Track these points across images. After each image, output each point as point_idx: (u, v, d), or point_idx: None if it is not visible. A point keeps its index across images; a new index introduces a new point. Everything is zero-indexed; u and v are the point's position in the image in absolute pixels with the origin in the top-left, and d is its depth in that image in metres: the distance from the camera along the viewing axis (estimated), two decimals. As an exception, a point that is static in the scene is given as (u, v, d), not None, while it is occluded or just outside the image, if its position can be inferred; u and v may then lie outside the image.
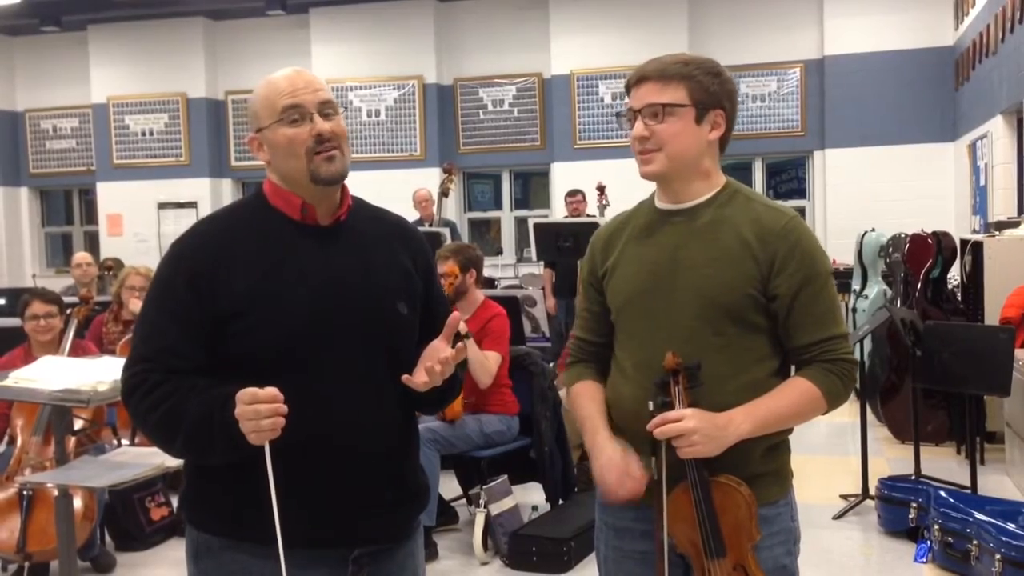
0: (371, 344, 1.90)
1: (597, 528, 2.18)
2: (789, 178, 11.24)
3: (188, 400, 1.80)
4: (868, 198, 10.28)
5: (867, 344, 6.45)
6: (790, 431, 2.05)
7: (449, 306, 2.16)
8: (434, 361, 1.85)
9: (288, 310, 1.84)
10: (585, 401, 2.13)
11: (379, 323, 1.92)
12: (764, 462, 2.00)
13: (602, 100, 11.19)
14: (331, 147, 1.88)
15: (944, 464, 5.77)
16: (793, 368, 2.05)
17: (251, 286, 1.84)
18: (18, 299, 4.89)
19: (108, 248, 12.03)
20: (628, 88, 2.03)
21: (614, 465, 1.99)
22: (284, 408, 1.74)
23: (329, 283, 1.88)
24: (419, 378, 1.86)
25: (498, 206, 12.22)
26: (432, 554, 4.55)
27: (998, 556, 3.78)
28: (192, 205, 12.24)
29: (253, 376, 1.78)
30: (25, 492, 4.10)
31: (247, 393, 1.73)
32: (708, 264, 1.96)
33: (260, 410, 1.72)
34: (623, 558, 2.09)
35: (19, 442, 4.39)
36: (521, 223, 11.87)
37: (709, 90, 1.97)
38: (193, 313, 1.83)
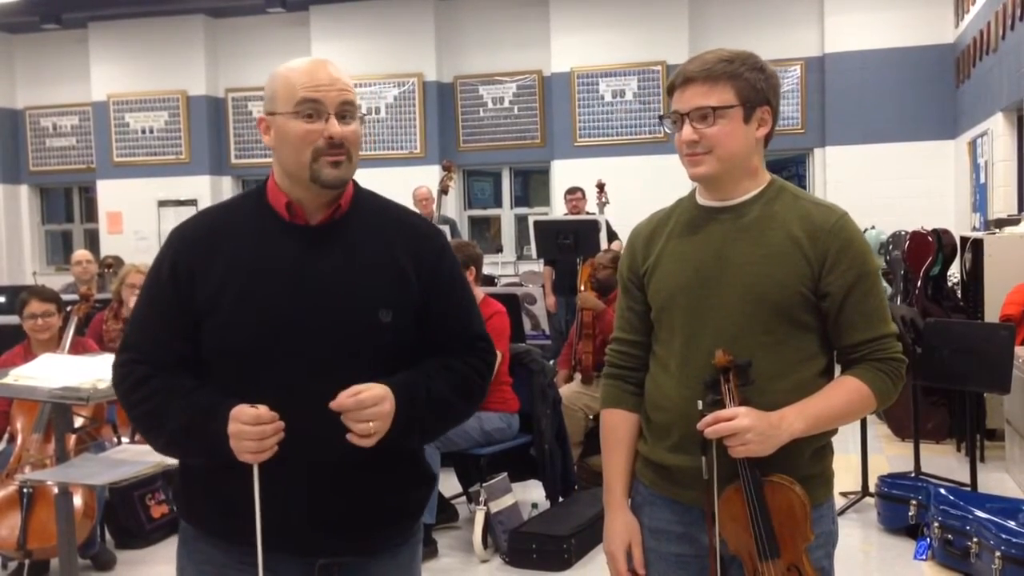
0: (344, 352, 1.82)
1: None
2: (789, 175, 11.24)
3: (171, 404, 1.80)
4: (868, 195, 10.26)
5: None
6: (835, 432, 2.03)
7: (469, 314, 2.02)
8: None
9: (256, 312, 1.81)
10: (613, 446, 2.11)
11: (354, 330, 1.84)
12: (812, 464, 1.98)
13: (602, 98, 11.19)
14: (340, 153, 1.81)
15: (944, 461, 5.77)
16: (839, 367, 2.02)
17: (225, 285, 1.81)
18: (18, 297, 4.89)
19: (108, 246, 12.03)
20: (671, 90, 1.97)
21: (622, 540, 2.06)
22: (282, 426, 1.73)
23: (304, 286, 1.82)
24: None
25: (498, 204, 12.22)
26: (432, 552, 4.56)
27: (998, 553, 3.79)
28: (192, 203, 12.23)
29: (225, 376, 1.81)
30: (25, 490, 4.10)
31: (248, 414, 1.72)
32: (757, 261, 1.93)
33: (265, 430, 1.72)
34: (657, 560, 2.05)
35: (19, 440, 4.40)
36: (521, 221, 11.87)
37: (756, 87, 1.93)
38: (174, 307, 1.83)
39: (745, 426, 1.83)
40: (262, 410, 1.72)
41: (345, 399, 1.74)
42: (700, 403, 1.89)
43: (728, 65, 1.92)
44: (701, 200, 2.04)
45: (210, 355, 1.83)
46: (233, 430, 1.72)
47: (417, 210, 8.60)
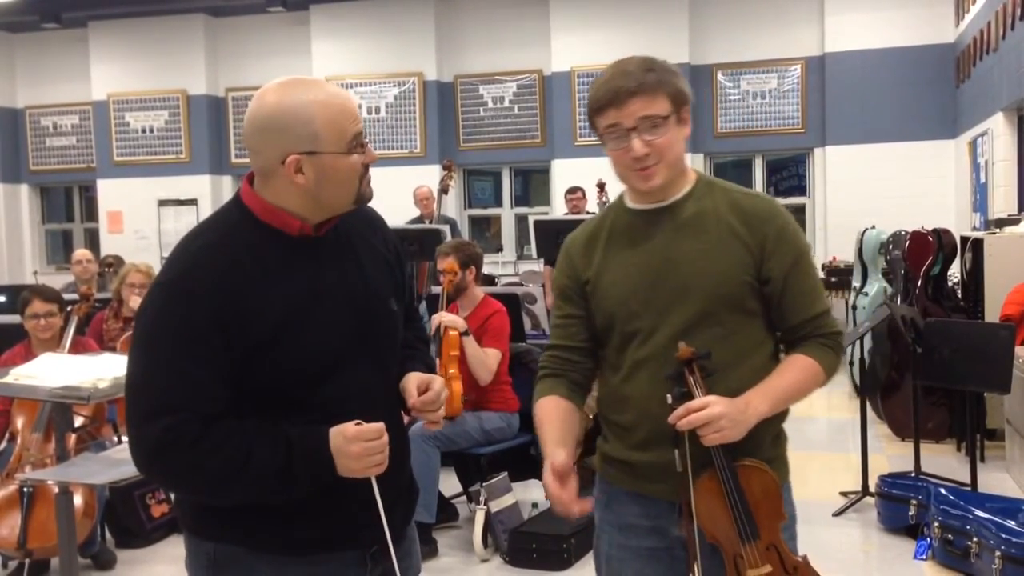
0: (378, 345, 1.91)
1: (598, 527, 2.17)
2: (790, 175, 11.23)
3: (253, 449, 1.73)
4: (868, 195, 10.28)
5: (867, 341, 6.45)
6: (785, 418, 2.09)
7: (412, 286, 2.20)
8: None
9: (315, 330, 1.80)
10: (544, 418, 2.15)
11: (381, 324, 1.92)
12: (772, 448, 2.05)
13: (602, 97, 11.18)
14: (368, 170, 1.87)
15: (944, 461, 5.77)
16: (783, 347, 2.09)
17: (278, 315, 1.76)
18: (18, 296, 4.89)
19: (108, 245, 12.04)
20: (602, 108, 1.98)
21: (557, 473, 2.05)
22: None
23: (341, 294, 1.85)
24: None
25: (498, 203, 12.22)
26: (432, 551, 4.56)
27: (998, 553, 3.79)
28: (192, 202, 12.25)
29: (286, 401, 1.78)
30: (26, 489, 4.10)
31: (371, 430, 1.75)
32: (701, 256, 1.98)
33: (385, 441, 1.76)
34: (629, 556, 2.09)
35: (20, 439, 4.40)
36: (521, 220, 11.88)
37: (680, 89, 1.98)
38: (220, 354, 1.72)
39: (718, 413, 1.88)
40: (365, 427, 1.75)
41: (423, 399, 1.90)
42: (669, 397, 1.93)
43: (655, 74, 1.96)
44: (633, 204, 2.08)
45: (268, 386, 1.78)
46: (357, 450, 1.74)
47: (418, 209, 8.70)
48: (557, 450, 2.06)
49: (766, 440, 2.02)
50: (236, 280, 1.75)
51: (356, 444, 1.74)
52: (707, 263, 1.97)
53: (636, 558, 2.08)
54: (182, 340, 1.72)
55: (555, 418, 2.13)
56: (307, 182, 1.77)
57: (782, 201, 11.29)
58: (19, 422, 4.44)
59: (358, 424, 1.75)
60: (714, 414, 1.87)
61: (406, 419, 2.06)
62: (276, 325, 1.76)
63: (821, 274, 10.11)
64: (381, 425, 1.77)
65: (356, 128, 1.79)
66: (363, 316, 1.87)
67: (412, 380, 1.92)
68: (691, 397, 1.91)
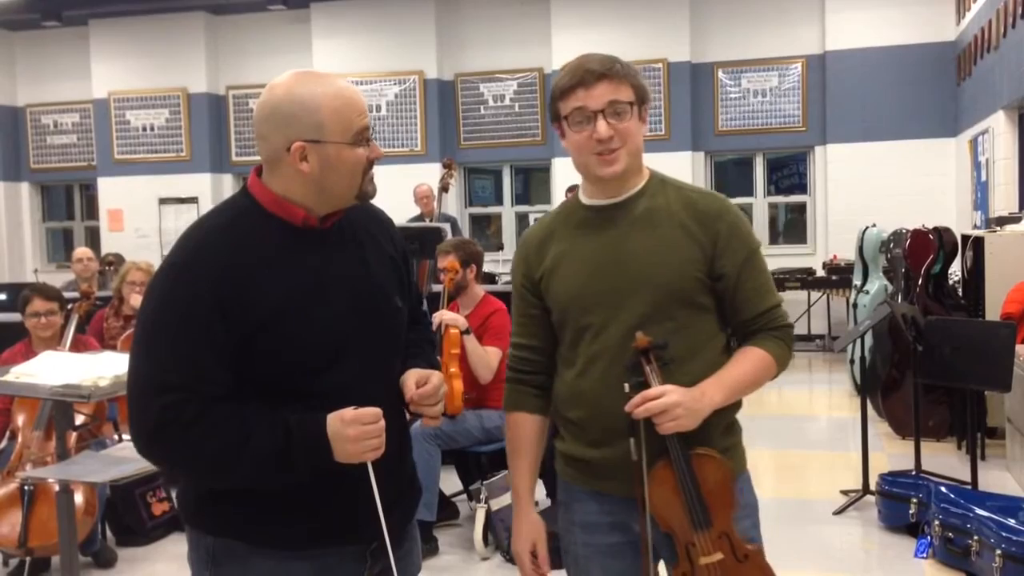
0: (382, 342, 1.92)
1: (563, 530, 2.20)
2: (790, 173, 11.23)
3: (251, 433, 1.73)
4: (869, 193, 10.28)
5: (868, 340, 6.44)
6: (739, 409, 2.13)
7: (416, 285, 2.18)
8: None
9: (316, 320, 1.81)
10: (518, 449, 2.19)
11: (385, 320, 1.93)
12: (724, 438, 2.07)
13: (603, 95, 11.17)
14: (371, 167, 1.89)
15: (945, 460, 5.77)
16: (735, 340, 2.12)
17: (279, 303, 1.78)
18: (19, 294, 4.89)
19: (109, 243, 12.05)
20: (568, 90, 1.99)
21: (528, 540, 2.17)
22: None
23: (344, 287, 1.86)
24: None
25: (499, 201, 12.22)
26: (433, 549, 4.56)
27: (999, 552, 3.79)
28: (193, 200, 12.25)
29: (287, 391, 1.79)
30: (26, 487, 4.11)
31: (368, 414, 1.76)
32: (653, 252, 2.01)
33: (382, 426, 1.77)
34: (595, 554, 2.12)
35: (20, 437, 4.40)
36: (522, 218, 11.88)
37: (643, 86, 2.03)
38: (221, 338, 1.74)
39: (675, 401, 1.91)
40: (362, 410, 1.76)
41: (421, 392, 1.89)
42: (626, 386, 1.96)
43: (621, 66, 2.00)
44: (588, 200, 2.11)
45: (266, 373, 1.79)
46: (354, 433, 1.75)
47: (418, 208, 8.69)
48: (529, 510, 2.20)
49: (717, 430, 2.04)
50: (239, 268, 1.78)
51: (353, 427, 1.75)
52: (659, 259, 2.00)
53: (601, 555, 2.11)
54: (184, 324, 1.74)
55: (528, 450, 2.19)
56: (311, 170, 1.80)
57: (783, 199, 11.35)
58: (20, 420, 4.44)
59: (356, 408, 1.76)
60: (670, 402, 1.90)
61: (407, 417, 2.06)
62: (277, 314, 1.78)
63: (821, 272, 10.13)
64: (378, 409, 1.77)
65: (362, 122, 1.83)
66: (366, 309, 1.88)
67: (411, 375, 1.93)
68: (647, 386, 1.94)
